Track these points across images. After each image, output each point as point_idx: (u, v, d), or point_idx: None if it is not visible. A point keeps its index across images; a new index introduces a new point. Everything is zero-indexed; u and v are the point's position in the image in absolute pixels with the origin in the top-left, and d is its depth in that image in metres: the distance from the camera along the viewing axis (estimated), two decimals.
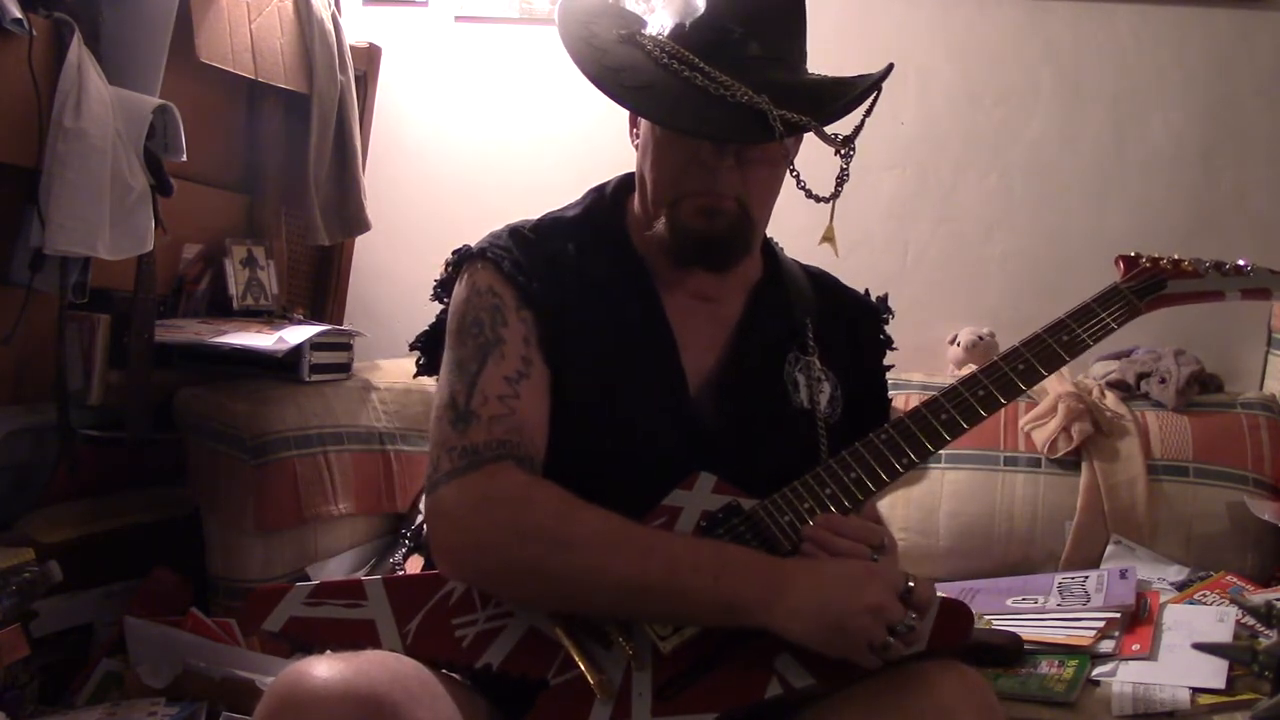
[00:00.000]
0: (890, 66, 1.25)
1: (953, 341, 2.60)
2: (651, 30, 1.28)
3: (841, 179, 1.23)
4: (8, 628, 1.72)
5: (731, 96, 1.18)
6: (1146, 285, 1.33)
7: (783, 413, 1.31)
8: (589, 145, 2.79)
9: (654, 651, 1.13)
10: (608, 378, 1.25)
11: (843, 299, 1.45)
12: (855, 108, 1.24)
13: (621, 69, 1.23)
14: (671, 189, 1.26)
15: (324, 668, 1.03)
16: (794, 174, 1.24)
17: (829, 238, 1.28)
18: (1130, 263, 1.36)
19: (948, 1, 2.68)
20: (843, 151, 1.22)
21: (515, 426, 1.18)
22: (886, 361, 1.47)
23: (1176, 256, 1.35)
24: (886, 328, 1.46)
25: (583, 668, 1.11)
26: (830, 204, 1.23)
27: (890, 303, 1.48)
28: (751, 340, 1.33)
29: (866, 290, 1.48)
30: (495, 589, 1.17)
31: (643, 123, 1.30)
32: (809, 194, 1.23)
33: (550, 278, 1.27)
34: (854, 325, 1.43)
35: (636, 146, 1.33)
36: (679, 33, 1.24)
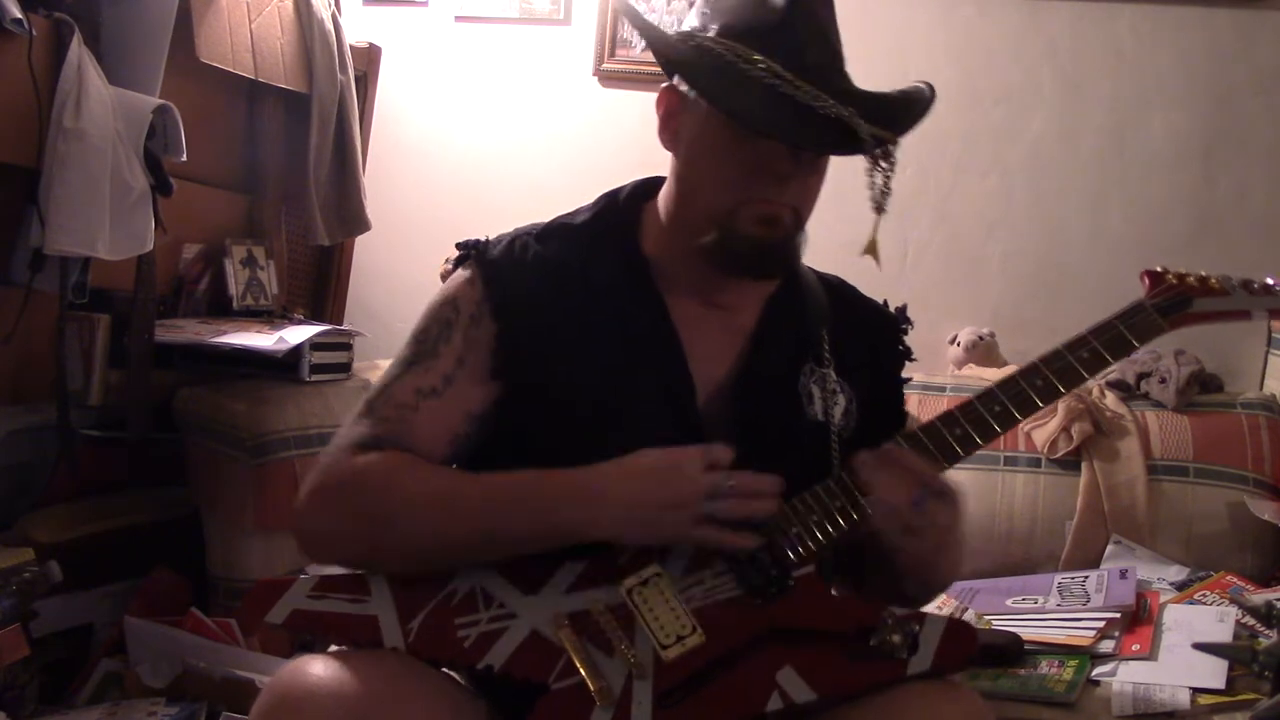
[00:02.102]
0: (933, 91, 1.24)
1: (953, 341, 2.60)
2: (699, 28, 1.21)
3: (886, 191, 1.22)
4: (8, 628, 1.73)
5: (822, 107, 1.14)
6: (1172, 302, 1.26)
7: (795, 426, 1.28)
8: (589, 145, 2.79)
9: (655, 659, 1.12)
10: (606, 387, 1.22)
11: (861, 309, 1.40)
12: (921, 120, 1.23)
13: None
14: (733, 196, 1.20)
15: (319, 667, 1.04)
16: (874, 184, 1.22)
17: (872, 250, 1.25)
18: (1156, 279, 1.29)
19: (948, 2, 2.68)
20: (887, 165, 1.20)
21: (401, 433, 1.20)
22: (905, 374, 1.42)
23: (1204, 273, 1.29)
24: (905, 339, 1.41)
25: (583, 674, 1.11)
26: (877, 217, 1.22)
27: (891, 303, 1.44)
28: (766, 351, 1.29)
29: (885, 300, 1.43)
30: (354, 568, 1.19)
31: (691, 127, 1.22)
32: (880, 208, 1.21)
33: (542, 288, 1.24)
34: (872, 336, 1.39)
35: (673, 150, 1.26)
36: (741, 33, 1.18)
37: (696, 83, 1.18)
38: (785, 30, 1.17)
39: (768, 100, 1.14)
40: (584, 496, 1.12)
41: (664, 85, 1.25)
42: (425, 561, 1.16)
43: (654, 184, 1.32)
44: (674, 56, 1.20)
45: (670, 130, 1.25)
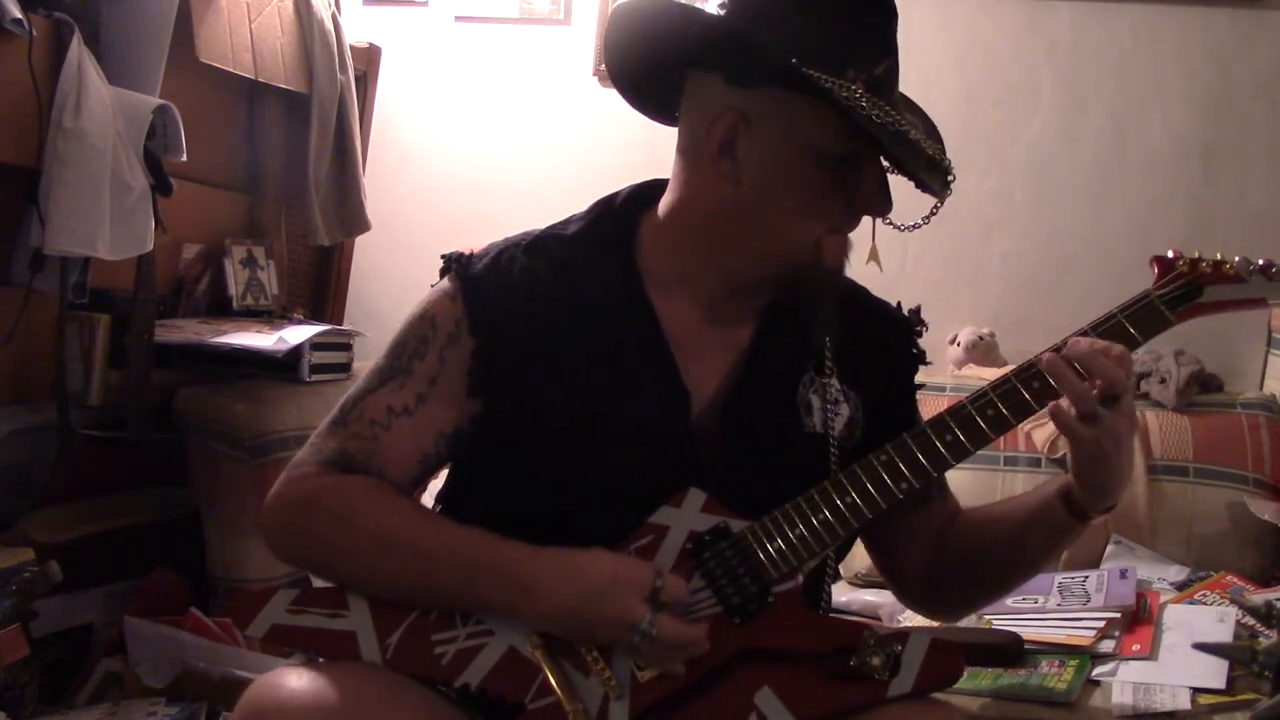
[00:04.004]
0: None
1: (953, 341, 2.60)
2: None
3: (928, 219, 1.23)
4: (8, 628, 1.72)
5: (933, 149, 1.15)
6: (1181, 293, 1.18)
7: (791, 438, 1.24)
8: (589, 145, 2.79)
9: (632, 680, 1.11)
10: (595, 404, 1.19)
11: (873, 313, 1.35)
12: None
13: None
14: (819, 229, 1.17)
15: (294, 678, 1.04)
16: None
17: (874, 258, 1.23)
18: (1165, 266, 1.19)
19: (948, 1, 2.69)
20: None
21: (372, 451, 1.19)
22: (918, 379, 1.38)
23: (1219, 257, 1.19)
24: (920, 342, 1.37)
25: (559, 696, 1.09)
26: (874, 223, 1.23)
27: (893, 303, 1.41)
28: (762, 362, 1.25)
29: (899, 303, 1.39)
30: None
31: (769, 155, 1.15)
32: (909, 227, 1.22)
33: (528, 304, 1.21)
34: (884, 340, 1.34)
35: (730, 177, 1.16)
36: (831, 57, 1.11)
37: (874, 133, 1.10)
38: (876, 51, 1.14)
39: (912, 148, 1.13)
40: (517, 584, 1.10)
41: (724, 109, 1.15)
42: (373, 593, 1.16)
43: (651, 190, 1.27)
44: (844, 106, 1.10)
45: (730, 157, 1.16)
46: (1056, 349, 1.16)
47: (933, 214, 1.22)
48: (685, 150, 1.22)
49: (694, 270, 1.23)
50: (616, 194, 1.30)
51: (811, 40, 1.11)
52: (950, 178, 1.19)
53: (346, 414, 1.22)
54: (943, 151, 1.19)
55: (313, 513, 1.17)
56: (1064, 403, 1.13)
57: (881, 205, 1.19)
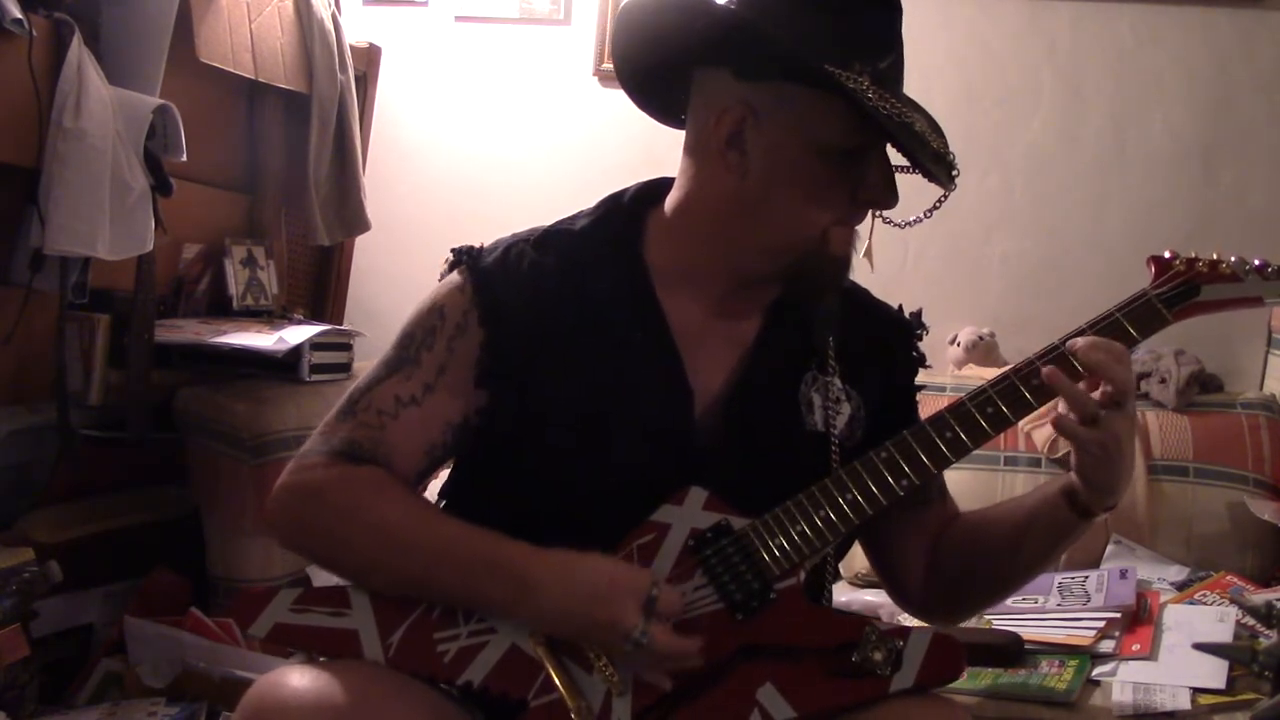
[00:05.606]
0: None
1: (953, 341, 2.60)
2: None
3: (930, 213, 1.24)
4: (8, 628, 1.73)
5: (937, 143, 1.17)
6: (1178, 292, 1.19)
7: (793, 435, 1.25)
8: (589, 145, 2.79)
9: (634, 676, 1.11)
10: (599, 399, 1.20)
11: (874, 314, 1.36)
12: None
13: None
14: (824, 220, 1.18)
15: (297, 677, 1.04)
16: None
17: (868, 255, 1.25)
18: (1162, 265, 1.21)
19: (948, 1, 2.69)
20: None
21: (379, 440, 1.19)
22: (918, 380, 1.39)
23: (1215, 257, 1.20)
24: (920, 345, 1.38)
25: (562, 693, 1.10)
26: (872, 222, 1.24)
27: (893, 304, 1.41)
28: (766, 359, 1.26)
29: (900, 306, 1.40)
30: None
31: (776, 147, 1.16)
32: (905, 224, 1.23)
33: (536, 298, 1.22)
34: (885, 342, 1.35)
35: (737, 169, 1.17)
36: (837, 49, 1.12)
37: (884, 127, 1.11)
38: (881, 45, 1.16)
39: (919, 140, 1.14)
40: (517, 583, 1.10)
41: (732, 102, 1.16)
42: (374, 585, 1.16)
43: (658, 187, 1.28)
44: (863, 103, 1.11)
45: (738, 150, 1.17)
46: (1054, 349, 1.16)
47: (936, 207, 1.23)
48: (692, 147, 1.23)
49: (700, 265, 1.23)
50: (625, 191, 1.31)
51: (818, 34, 1.13)
52: (955, 171, 1.20)
53: (354, 404, 1.22)
54: (946, 146, 1.20)
55: (318, 504, 1.17)
56: (1063, 408, 1.13)
57: (887, 197, 1.19)
